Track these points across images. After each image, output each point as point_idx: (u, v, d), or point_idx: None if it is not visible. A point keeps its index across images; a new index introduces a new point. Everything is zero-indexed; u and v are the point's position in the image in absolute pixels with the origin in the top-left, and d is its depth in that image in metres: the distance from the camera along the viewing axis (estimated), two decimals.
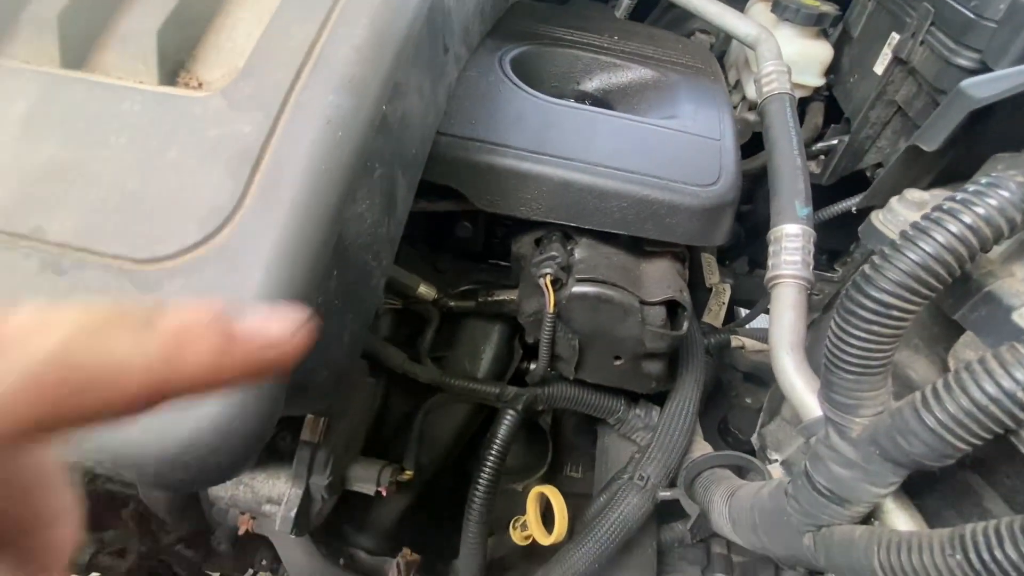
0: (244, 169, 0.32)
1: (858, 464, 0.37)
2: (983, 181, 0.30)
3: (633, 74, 0.77)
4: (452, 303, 0.72)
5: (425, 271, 0.74)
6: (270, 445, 0.61)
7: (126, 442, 0.28)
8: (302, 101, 0.34)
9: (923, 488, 0.43)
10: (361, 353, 0.68)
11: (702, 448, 0.70)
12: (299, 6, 0.38)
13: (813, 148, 0.94)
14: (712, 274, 1.00)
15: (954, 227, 0.29)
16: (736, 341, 0.87)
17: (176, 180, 0.32)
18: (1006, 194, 0.28)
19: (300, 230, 0.32)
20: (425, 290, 0.70)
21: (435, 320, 0.71)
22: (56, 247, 0.31)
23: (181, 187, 0.32)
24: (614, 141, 0.62)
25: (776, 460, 0.63)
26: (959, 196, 0.30)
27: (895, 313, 0.32)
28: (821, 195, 0.91)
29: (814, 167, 0.95)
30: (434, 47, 0.54)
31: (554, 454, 0.92)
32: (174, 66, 0.37)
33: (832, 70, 0.95)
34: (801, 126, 0.96)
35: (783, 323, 0.55)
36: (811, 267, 0.58)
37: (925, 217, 0.31)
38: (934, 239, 0.30)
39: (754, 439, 0.69)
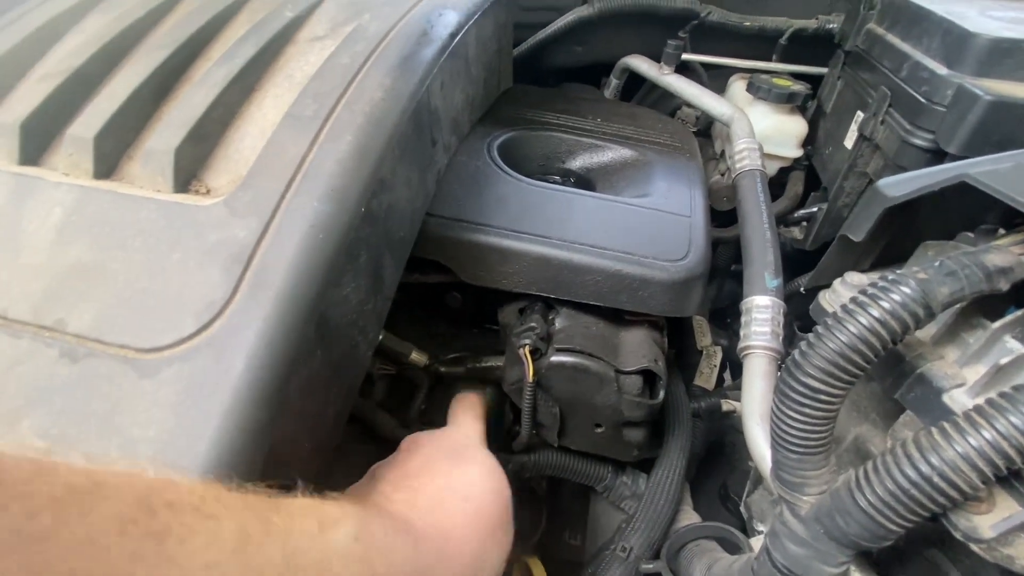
0: (236, 269, 0.37)
1: (808, 542, 0.38)
2: (889, 277, 0.33)
3: (613, 154, 0.83)
4: (443, 369, 0.75)
5: (420, 336, 0.77)
6: None
7: None
8: (291, 208, 0.39)
9: (891, 564, 0.43)
10: (351, 419, 0.71)
11: (689, 517, 0.69)
12: (294, 124, 0.44)
13: (795, 215, 0.98)
14: (704, 336, 1.02)
15: (864, 319, 0.32)
16: (727, 405, 0.88)
17: (179, 279, 0.37)
18: (907, 291, 0.31)
19: (280, 321, 0.36)
20: (417, 356, 0.74)
21: (425, 386, 0.74)
22: (74, 338, 0.35)
23: (183, 285, 0.37)
24: (589, 219, 0.66)
25: (761, 531, 0.63)
26: (869, 291, 0.33)
27: (822, 397, 0.34)
28: (807, 260, 0.94)
29: (797, 233, 0.98)
30: (422, 142, 0.60)
31: (552, 520, 0.92)
32: (188, 176, 0.43)
33: (810, 141, 1.00)
34: (783, 194, 1.01)
35: (753, 393, 0.56)
36: (781, 337, 0.60)
37: (841, 309, 0.34)
38: (848, 330, 0.33)
39: (742, 507, 0.69)
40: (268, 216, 0.39)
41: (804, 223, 0.97)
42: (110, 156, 0.44)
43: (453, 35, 0.58)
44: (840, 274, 0.45)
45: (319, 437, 0.48)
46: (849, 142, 0.86)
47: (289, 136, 0.43)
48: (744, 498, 0.68)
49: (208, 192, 0.43)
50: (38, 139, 0.46)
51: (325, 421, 0.49)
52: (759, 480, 0.67)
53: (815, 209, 0.95)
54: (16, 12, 0.59)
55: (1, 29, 0.57)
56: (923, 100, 0.67)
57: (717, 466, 0.97)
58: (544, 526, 0.91)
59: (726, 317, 1.23)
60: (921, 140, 0.67)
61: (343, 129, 0.43)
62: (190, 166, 0.43)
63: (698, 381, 0.96)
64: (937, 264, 0.32)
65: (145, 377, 0.34)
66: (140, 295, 0.37)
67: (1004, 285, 0.32)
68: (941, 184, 0.36)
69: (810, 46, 1.03)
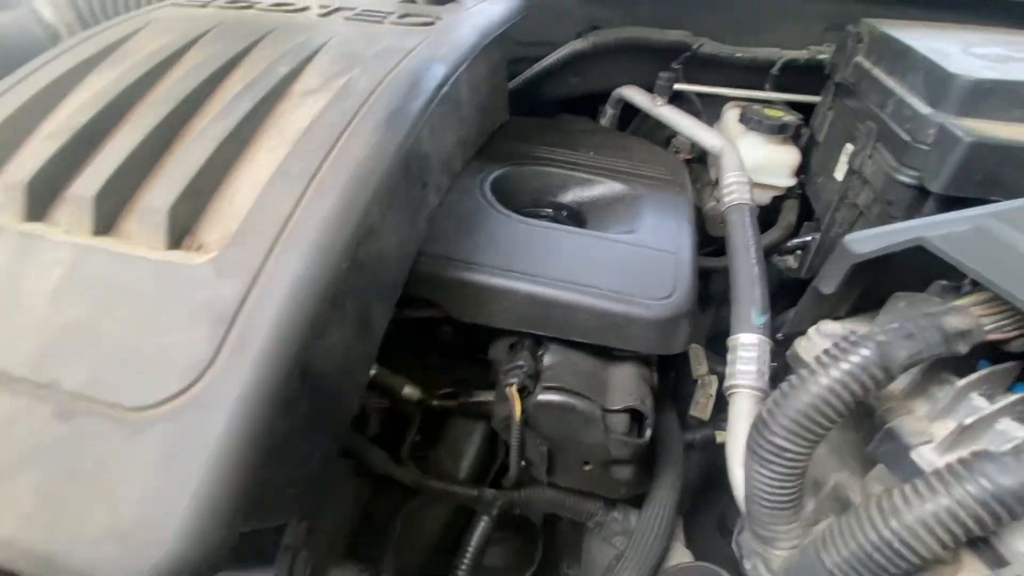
0: (221, 328, 0.38)
1: None
2: (850, 339, 0.33)
3: (604, 188, 0.84)
4: (435, 402, 0.76)
5: (413, 368, 0.78)
6: (255, 548, 0.65)
7: (93, 565, 0.33)
8: (275, 265, 0.41)
9: None
10: (344, 454, 0.72)
11: (680, 555, 0.69)
12: (282, 181, 0.46)
13: (788, 244, 0.98)
14: (700, 365, 1.02)
15: (825, 380, 0.33)
16: (721, 436, 0.87)
17: (167, 338, 0.39)
18: (866, 353, 0.32)
19: (262, 379, 0.37)
20: (410, 391, 0.75)
21: (416, 421, 0.75)
22: (68, 395, 0.37)
23: (170, 344, 0.39)
24: (577, 256, 0.68)
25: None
26: (830, 352, 0.34)
27: (788, 455, 0.35)
28: (802, 288, 0.94)
29: (792, 262, 0.98)
30: (411, 187, 0.62)
31: (550, 551, 0.91)
32: (181, 232, 0.45)
33: (803, 170, 1.01)
34: (777, 224, 1.01)
35: (737, 434, 0.56)
36: (766, 376, 0.60)
37: (803, 370, 0.34)
38: (810, 391, 0.33)
39: (733, 544, 0.69)
40: (253, 274, 0.41)
41: (798, 252, 0.97)
42: (109, 214, 0.47)
43: (440, 86, 0.60)
44: (815, 322, 0.45)
45: (305, 480, 0.49)
46: (840, 173, 0.86)
47: (277, 193, 0.45)
48: (735, 536, 0.68)
49: (200, 248, 0.45)
50: (43, 197, 0.49)
51: (311, 464, 0.50)
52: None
53: (809, 238, 0.95)
54: (24, 70, 0.62)
55: (10, 87, 0.60)
56: (907, 138, 0.67)
57: (715, 496, 0.96)
58: (540, 558, 0.91)
59: (723, 345, 1.23)
60: (907, 177, 0.67)
61: (329, 186, 0.45)
62: (184, 223, 0.46)
63: (693, 411, 0.96)
64: (896, 326, 0.33)
65: (131, 437, 0.35)
66: (131, 354, 0.38)
67: (963, 348, 0.33)
68: (900, 246, 0.37)
69: (802, 75, 1.04)
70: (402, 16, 0.72)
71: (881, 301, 0.47)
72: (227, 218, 0.47)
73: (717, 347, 1.19)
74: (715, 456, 0.93)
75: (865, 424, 0.40)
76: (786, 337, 0.52)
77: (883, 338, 0.32)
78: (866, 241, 0.39)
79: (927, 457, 0.35)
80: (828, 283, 0.42)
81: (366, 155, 0.49)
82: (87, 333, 0.39)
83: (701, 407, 0.95)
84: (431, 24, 0.70)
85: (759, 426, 0.36)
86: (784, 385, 0.35)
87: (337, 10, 0.73)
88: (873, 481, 0.39)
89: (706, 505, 0.95)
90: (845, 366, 0.32)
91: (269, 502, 0.44)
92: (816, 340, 0.45)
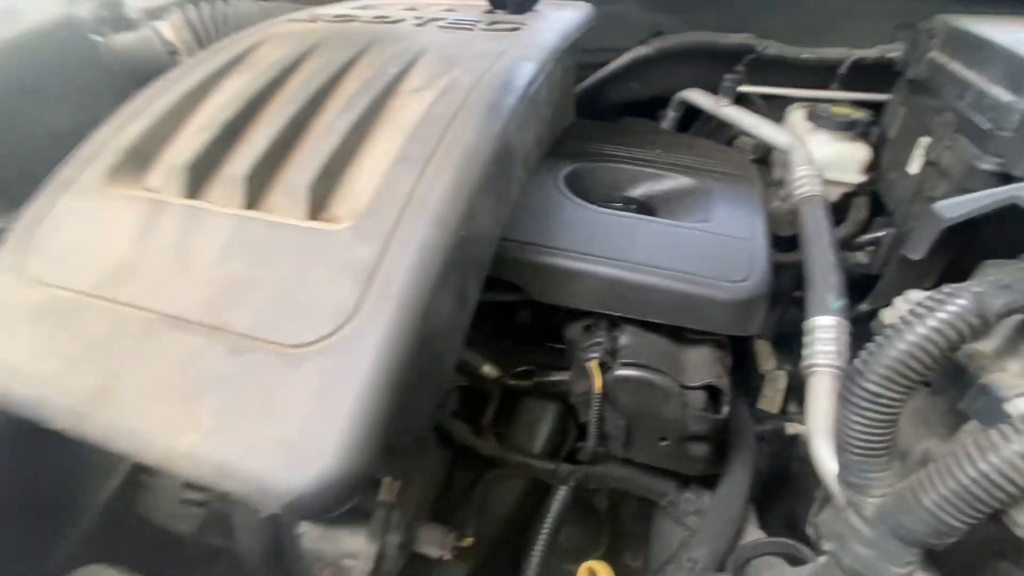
0: (361, 282, 0.45)
1: (874, 542, 0.40)
2: (946, 290, 0.36)
3: (674, 182, 0.87)
4: (511, 382, 0.81)
5: (489, 352, 0.84)
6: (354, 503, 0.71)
7: (266, 472, 0.39)
8: (404, 233, 0.47)
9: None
10: (433, 425, 0.77)
11: (755, 535, 0.70)
12: (404, 163, 0.53)
13: (860, 240, 0.98)
14: (767, 360, 1.02)
15: (922, 328, 0.35)
16: (792, 428, 0.88)
17: (317, 289, 0.45)
18: (963, 302, 0.34)
19: (398, 325, 0.43)
20: (488, 369, 0.80)
21: (496, 397, 0.79)
22: (236, 336, 0.44)
23: (320, 294, 0.45)
24: (653, 243, 0.71)
25: (828, 551, 0.63)
26: (927, 302, 0.36)
27: (883, 401, 0.37)
28: (873, 284, 0.93)
29: (862, 257, 0.98)
30: (500, 176, 0.68)
31: (613, 541, 0.93)
32: (318, 206, 0.52)
33: (874, 167, 1.01)
34: (847, 219, 1.01)
35: (818, 410, 0.58)
36: (845, 356, 0.61)
37: (901, 319, 0.37)
38: (907, 339, 0.36)
39: (808, 528, 0.69)
40: (386, 239, 0.47)
41: (870, 247, 0.97)
42: (256, 191, 0.54)
43: (530, 83, 0.66)
44: (901, 292, 0.47)
45: (414, 430, 0.55)
46: (914, 167, 0.86)
47: (400, 173, 0.51)
48: (811, 518, 0.68)
49: (334, 220, 0.52)
50: (199, 177, 0.57)
51: (420, 416, 0.55)
52: (827, 499, 0.67)
53: (882, 233, 0.95)
54: (170, 77, 0.73)
55: (159, 92, 0.70)
56: (989, 126, 0.68)
57: (784, 494, 0.96)
58: (605, 545, 0.94)
59: (791, 343, 1.22)
60: (990, 165, 0.67)
61: (443, 167, 0.51)
62: (320, 199, 0.53)
63: (762, 404, 0.96)
64: (992, 279, 0.35)
65: (293, 368, 0.42)
66: (287, 302, 0.45)
67: None
68: (992, 206, 0.38)
69: (870, 74, 1.04)
70: (490, 24, 0.78)
71: (966, 274, 0.49)
72: (354, 196, 0.54)
73: (784, 346, 1.19)
74: (783, 450, 0.92)
75: (956, 384, 0.41)
76: (870, 311, 0.54)
77: (979, 289, 0.34)
78: (956, 206, 0.41)
79: (1021, 407, 0.36)
80: (916, 249, 0.44)
81: (473, 140, 0.55)
82: (250, 285, 0.46)
83: (769, 400, 0.96)
84: (516, 30, 0.76)
85: (854, 375, 0.38)
86: (879, 337, 0.37)
87: (430, 20, 0.81)
88: (966, 435, 0.40)
89: (775, 502, 0.94)
90: (943, 315, 0.34)
91: (391, 445, 0.50)
92: (903, 308, 0.46)
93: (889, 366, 0.36)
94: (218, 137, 0.60)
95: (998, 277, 0.35)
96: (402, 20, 0.82)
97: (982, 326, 0.34)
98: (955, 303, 0.34)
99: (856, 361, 0.39)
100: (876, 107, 1.05)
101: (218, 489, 0.41)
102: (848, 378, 0.39)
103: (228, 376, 0.43)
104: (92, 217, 0.57)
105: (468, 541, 0.72)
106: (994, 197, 0.39)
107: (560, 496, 0.72)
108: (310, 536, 0.67)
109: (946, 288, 0.36)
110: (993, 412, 0.38)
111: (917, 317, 0.36)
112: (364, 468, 0.39)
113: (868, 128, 0.97)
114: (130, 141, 0.62)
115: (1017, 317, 0.39)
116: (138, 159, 0.61)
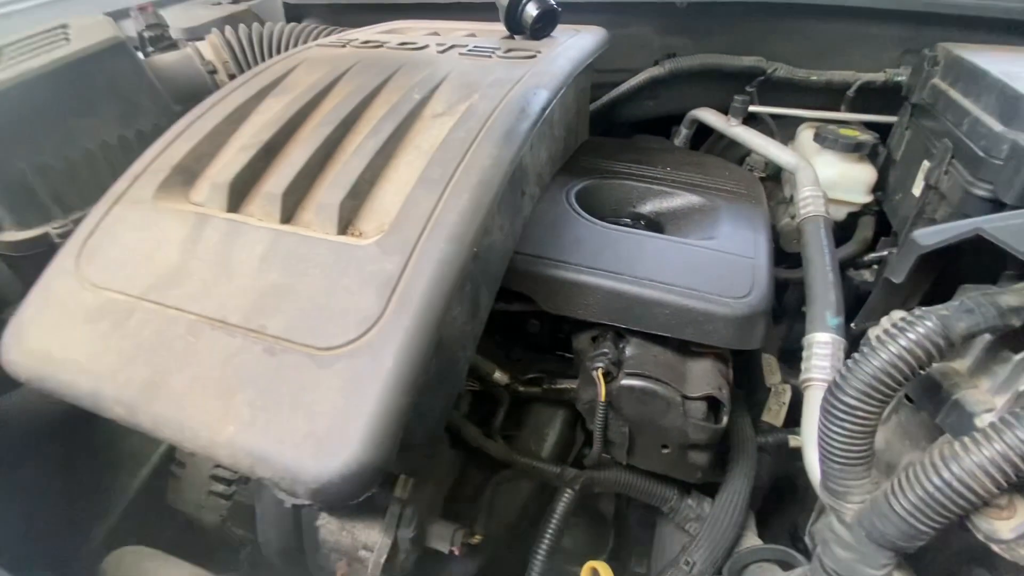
0: (385, 292, 0.49)
1: (853, 546, 0.43)
2: (915, 313, 0.39)
3: (681, 200, 0.91)
4: (521, 388, 0.85)
5: (500, 359, 0.88)
6: (369, 498, 0.75)
7: (296, 461, 0.44)
8: (424, 248, 0.52)
9: None
10: (445, 427, 0.81)
11: (753, 542, 0.73)
12: (425, 185, 0.57)
13: (865, 259, 1.00)
14: (772, 374, 1.05)
15: (893, 348, 0.38)
16: (795, 441, 0.90)
17: (345, 297, 0.50)
18: (929, 324, 0.37)
19: (417, 332, 0.48)
20: (499, 375, 0.84)
21: (506, 402, 0.83)
22: (272, 338, 0.49)
23: (348, 302, 0.50)
24: (659, 258, 0.75)
25: None
26: (897, 324, 0.39)
27: (860, 414, 0.40)
28: None
29: (868, 276, 1.00)
30: (514, 194, 0.73)
31: (619, 547, 0.96)
32: (346, 223, 0.57)
33: (880, 187, 1.03)
34: (853, 239, 1.04)
35: (813, 422, 0.61)
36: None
37: (874, 339, 0.40)
38: (880, 357, 0.39)
39: (806, 537, 0.72)
40: (408, 254, 0.52)
41: (874, 266, 0.99)
42: (291, 207, 0.60)
43: (544, 108, 0.71)
44: (887, 313, 0.50)
45: (429, 428, 0.59)
46: (917, 189, 0.89)
47: (422, 194, 0.56)
48: (808, 527, 0.71)
49: (361, 235, 0.57)
50: (240, 193, 0.63)
51: (434, 416, 0.60)
52: (823, 509, 0.70)
53: (886, 252, 0.97)
54: (212, 99, 0.79)
55: (202, 114, 0.76)
56: (982, 154, 0.70)
57: (787, 506, 0.98)
58: (611, 546, 0.97)
59: (798, 357, 1.24)
60: (982, 191, 0.70)
61: (462, 189, 0.56)
62: (348, 215, 0.58)
63: (766, 417, 0.99)
64: (957, 303, 0.38)
65: (322, 368, 0.47)
66: (318, 309, 0.50)
67: (1016, 321, 0.37)
68: (960, 236, 0.42)
69: (878, 97, 1.07)
70: (507, 51, 0.83)
71: (949, 296, 0.52)
72: (379, 213, 0.59)
73: (790, 360, 1.21)
74: (786, 463, 0.95)
75: (933, 400, 0.44)
76: (859, 330, 0.57)
77: (944, 312, 0.37)
78: (932, 235, 0.44)
79: (988, 422, 0.39)
80: (898, 273, 0.47)
81: (489, 165, 0.60)
82: (285, 293, 0.52)
83: (774, 413, 0.98)
84: (532, 57, 0.81)
85: (833, 390, 0.41)
86: (856, 354, 0.41)
87: (452, 47, 0.86)
88: (935, 448, 0.43)
89: (777, 515, 0.96)
90: (912, 335, 0.38)
91: (406, 443, 0.54)
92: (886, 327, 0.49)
93: (865, 381, 0.40)
94: (257, 156, 0.65)
95: (963, 301, 0.38)
96: (426, 47, 0.87)
97: (947, 346, 0.37)
98: (924, 324, 0.38)
99: (835, 376, 0.42)
100: (884, 129, 1.07)
101: (253, 475, 0.46)
102: (828, 392, 0.42)
103: (264, 374, 0.48)
104: (143, 228, 0.62)
105: (476, 538, 0.76)
106: (962, 228, 0.42)
107: (566, 498, 0.76)
108: (328, 528, 0.71)
109: (917, 311, 0.39)
110: (964, 426, 0.41)
111: (890, 337, 0.39)
112: (384, 460, 0.43)
113: (874, 150, 0.99)
114: (177, 158, 0.68)
115: (987, 337, 0.42)
116: (184, 175, 0.67)
